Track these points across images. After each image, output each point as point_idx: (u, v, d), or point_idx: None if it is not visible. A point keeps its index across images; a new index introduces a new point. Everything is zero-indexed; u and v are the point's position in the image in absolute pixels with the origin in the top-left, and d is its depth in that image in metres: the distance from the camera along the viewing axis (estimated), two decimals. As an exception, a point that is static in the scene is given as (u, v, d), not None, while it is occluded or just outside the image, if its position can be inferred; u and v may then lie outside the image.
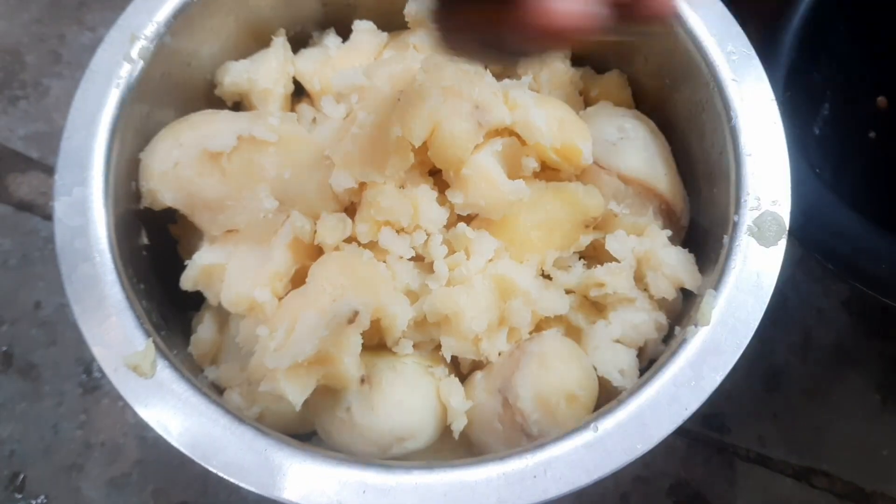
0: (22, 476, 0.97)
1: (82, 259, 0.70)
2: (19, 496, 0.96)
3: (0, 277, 1.07)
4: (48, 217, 1.10)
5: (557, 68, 0.89)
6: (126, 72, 0.78)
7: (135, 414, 0.98)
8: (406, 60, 0.77)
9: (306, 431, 0.77)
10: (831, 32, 0.92)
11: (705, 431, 1.01)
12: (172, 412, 0.65)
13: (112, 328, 0.68)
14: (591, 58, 0.93)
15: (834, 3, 0.89)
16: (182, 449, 0.63)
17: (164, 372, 0.66)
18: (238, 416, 0.65)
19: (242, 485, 0.62)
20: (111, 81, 0.77)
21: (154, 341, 0.67)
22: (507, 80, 0.81)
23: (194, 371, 0.74)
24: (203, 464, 0.62)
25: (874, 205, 0.83)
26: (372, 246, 0.74)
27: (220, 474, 0.62)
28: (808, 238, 0.77)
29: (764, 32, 0.80)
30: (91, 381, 1.02)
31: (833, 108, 0.94)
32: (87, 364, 1.03)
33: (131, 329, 0.68)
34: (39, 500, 0.96)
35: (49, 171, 1.13)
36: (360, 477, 0.62)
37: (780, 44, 0.78)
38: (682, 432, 1.00)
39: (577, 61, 0.91)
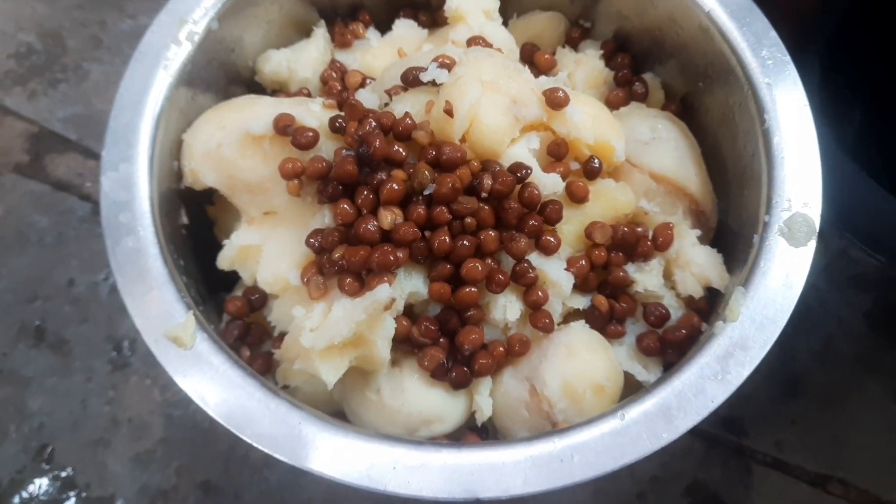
0: (50, 448, 0.99)
1: (126, 232, 0.72)
2: (47, 467, 0.98)
3: (36, 255, 1.10)
4: (84, 197, 1.13)
5: (593, 67, 0.90)
6: (173, 54, 0.80)
7: (161, 392, 1.03)
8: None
9: (332, 412, 0.78)
10: (860, 43, 0.94)
11: (724, 434, 1.02)
12: (210, 383, 0.66)
13: (154, 300, 0.69)
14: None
15: (862, 17, 0.91)
16: (218, 419, 0.64)
17: (203, 344, 0.68)
18: (273, 389, 0.66)
19: (275, 455, 0.63)
20: (159, 63, 0.79)
21: (194, 314, 0.69)
22: (543, 77, 0.83)
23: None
24: (238, 433, 0.64)
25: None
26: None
27: (255, 444, 0.63)
28: (854, 229, 0.78)
29: (798, 36, 0.81)
30: (120, 358, 1.04)
31: (863, 114, 0.95)
32: (118, 342, 1.05)
33: (172, 302, 0.70)
34: (66, 473, 0.98)
35: (86, 152, 1.16)
36: (391, 453, 0.63)
37: (814, 48, 0.79)
38: (700, 434, 1.01)
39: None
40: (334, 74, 0.90)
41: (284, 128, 0.74)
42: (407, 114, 0.73)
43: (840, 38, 0.86)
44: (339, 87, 0.88)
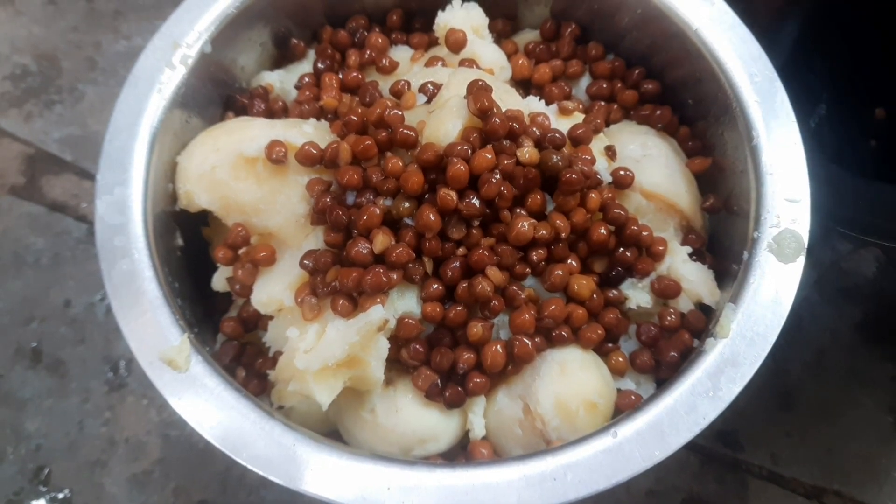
0: (47, 470, 1.00)
1: (121, 255, 0.72)
2: (44, 489, 0.99)
3: (32, 276, 1.10)
4: (80, 218, 1.13)
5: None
6: (167, 78, 0.81)
7: (158, 412, 1.03)
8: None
9: (326, 431, 0.78)
10: (829, 39, 0.96)
11: (719, 448, 1.02)
12: (205, 406, 0.67)
13: (148, 323, 0.70)
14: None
15: (828, 14, 0.94)
16: (213, 441, 0.65)
17: (198, 367, 0.68)
18: (268, 411, 0.67)
19: (270, 477, 0.63)
20: (153, 87, 0.80)
21: (188, 337, 0.69)
22: (531, 98, 0.83)
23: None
24: (233, 456, 0.64)
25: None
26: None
27: (249, 467, 0.64)
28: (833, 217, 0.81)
29: (767, 31, 0.82)
30: (117, 379, 1.04)
31: (830, 110, 0.97)
32: (114, 362, 1.05)
33: (167, 325, 0.70)
34: (63, 494, 0.99)
35: (82, 173, 1.16)
36: (385, 474, 0.64)
37: (782, 44, 0.80)
38: (695, 448, 1.02)
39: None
40: (307, 80, 0.91)
41: (276, 155, 0.75)
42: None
43: (807, 34, 0.89)
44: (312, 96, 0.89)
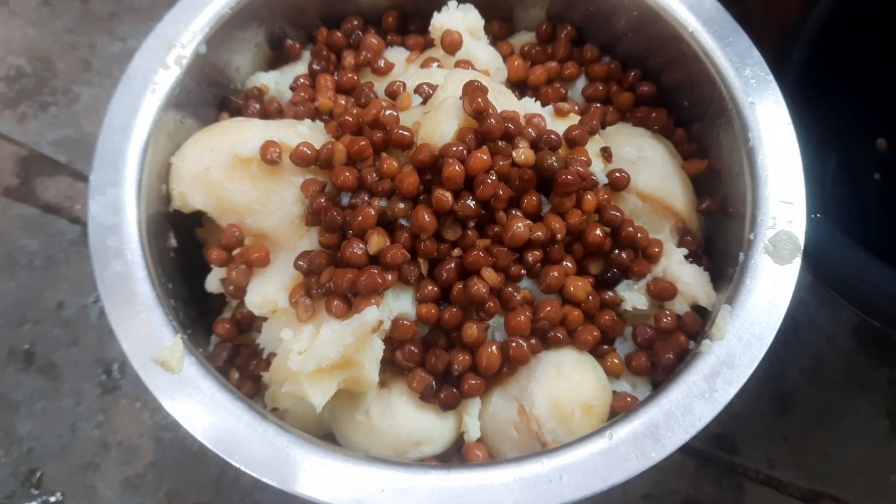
0: (39, 473, 0.99)
1: (114, 256, 0.72)
2: (36, 492, 0.98)
3: (25, 277, 1.09)
4: (74, 220, 1.13)
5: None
6: (161, 78, 0.80)
7: (152, 415, 1.02)
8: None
9: (321, 433, 0.78)
10: (827, 83, 0.95)
11: (715, 451, 1.02)
12: (198, 407, 0.66)
13: (141, 324, 0.69)
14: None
15: (825, 57, 0.94)
16: (206, 443, 0.64)
17: (191, 368, 0.68)
18: (261, 413, 0.66)
19: (264, 479, 0.63)
20: (147, 87, 0.80)
21: (181, 338, 0.69)
22: (526, 99, 0.83)
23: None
24: (226, 458, 0.64)
25: (881, 242, 0.85)
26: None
27: (243, 469, 0.63)
28: (821, 274, 0.80)
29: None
30: (110, 381, 1.04)
31: (840, 157, 0.98)
32: (107, 365, 1.04)
33: (160, 326, 0.70)
34: (56, 498, 0.98)
35: (76, 175, 1.16)
36: (379, 476, 0.63)
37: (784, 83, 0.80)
38: (692, 451, 1.01)
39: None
40: (303, 81, 0.91)
41: (271, 156, 0.74)
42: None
43: (810, 75, 0.89)
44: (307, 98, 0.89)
